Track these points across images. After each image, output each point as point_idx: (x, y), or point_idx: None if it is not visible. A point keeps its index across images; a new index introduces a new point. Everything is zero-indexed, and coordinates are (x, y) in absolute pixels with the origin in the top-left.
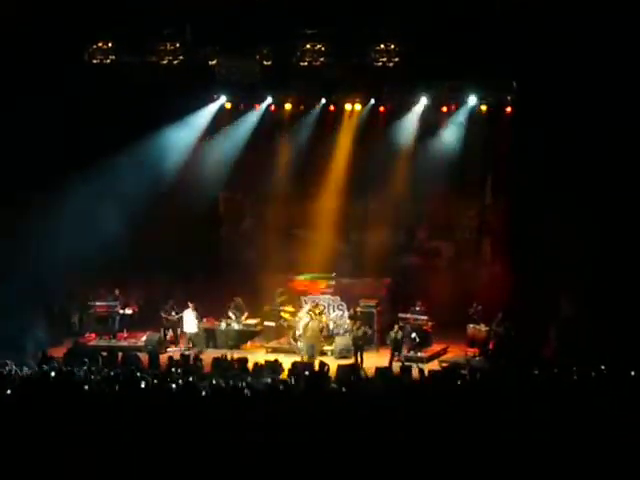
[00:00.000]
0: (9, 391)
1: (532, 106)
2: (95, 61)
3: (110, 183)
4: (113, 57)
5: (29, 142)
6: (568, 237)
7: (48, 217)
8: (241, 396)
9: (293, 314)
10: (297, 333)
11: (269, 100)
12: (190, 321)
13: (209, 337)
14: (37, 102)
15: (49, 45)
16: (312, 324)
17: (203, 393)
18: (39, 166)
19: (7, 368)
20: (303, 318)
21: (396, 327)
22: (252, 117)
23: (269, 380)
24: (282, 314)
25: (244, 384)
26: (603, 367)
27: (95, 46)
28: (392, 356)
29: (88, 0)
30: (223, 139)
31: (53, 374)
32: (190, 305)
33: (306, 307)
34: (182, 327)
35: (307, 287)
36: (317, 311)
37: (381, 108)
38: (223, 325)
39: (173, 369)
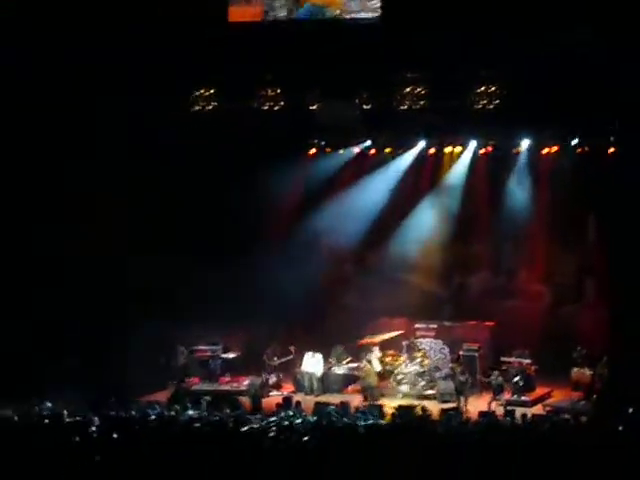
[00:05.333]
0: (115, 434)
1: (636, 146)
2: (197, 107)
3: None
4: (215, 104)
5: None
6: None
7: None
8: (341, 437)
9: (395, 358)
10: (399, 377)
11: (368, 143)
12: (312, 363)
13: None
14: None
15: (152, 94)
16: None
17: (305, 437)
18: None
19: (112, 412)
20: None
21: (495, 373)
22: (352, 161)
23: (369, 422)
24: (384, 358)
25: (343, 425)
26: None
27: (197, 93)
28: (492, 400)
29: (189, 48)
30: (323, 182)
31: (154, 417)
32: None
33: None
34: (299, 368)
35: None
36: (419, 355)
37: (482, 150)
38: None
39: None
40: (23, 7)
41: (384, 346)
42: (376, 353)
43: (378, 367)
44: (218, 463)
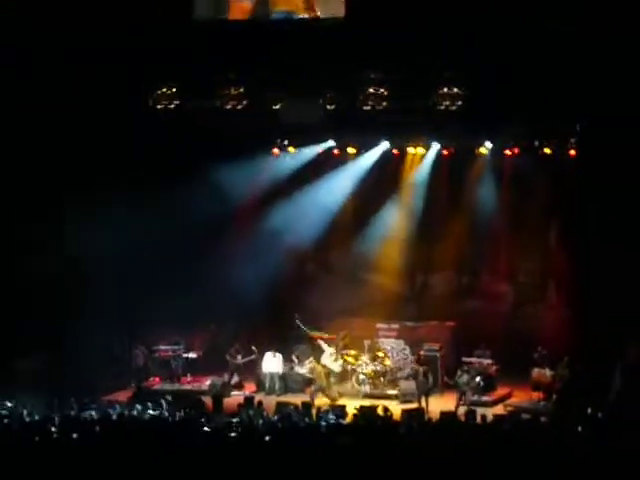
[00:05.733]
0: (75, 435)
1: (597, 148)
2: (159, 106)
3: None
4: (177, 102)
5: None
6: (636, 281)
7: None
8: (301, 437)
9: (356, 358)
10: (360, 377)
11: (331, 144)
12: (272, 363)
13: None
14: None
15: (113, 92)
16: (318, 366)
17: (266, 438)
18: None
19: (72, 412)
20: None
21: (459, 371)
22: (315, 160)
23: (331, 422)
24: (345, 357)
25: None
26: None
27: (159, 91)
28: (459, 400)
29: (152, 45)
30: (286, 181)
31: (116, 417)
32: (273, 349)
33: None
34: (260, 368)
35: None
36: (380, 354)
37: (444, 152)
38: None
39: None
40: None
41: (345, 345)
42: (330, 353)
43: (336, 368)
44: (179, 463)
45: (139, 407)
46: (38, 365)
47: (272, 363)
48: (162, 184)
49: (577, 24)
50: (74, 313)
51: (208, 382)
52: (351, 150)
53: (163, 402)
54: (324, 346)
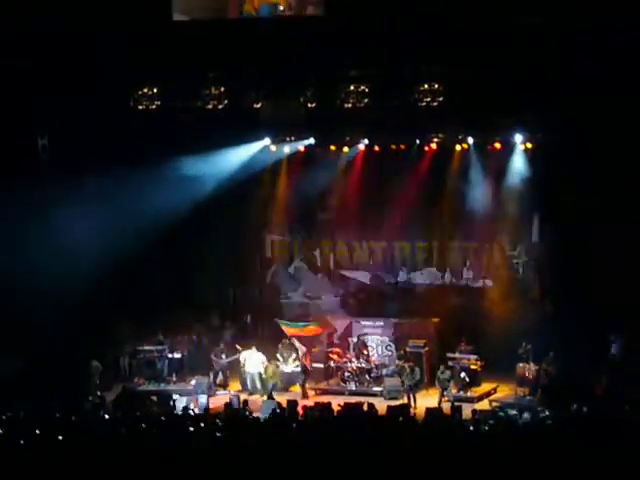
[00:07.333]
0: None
1: (578, 144)
2: (141, 107)
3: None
4: (159, 102)
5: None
6: (618, 275)
7: None
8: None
9: (341, 355)
10: (346, 375)
11: (312, 141)
12: (254, 362)
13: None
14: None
15: (96, 92)
16: (270, 366)
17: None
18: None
19: (57, 414)
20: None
21: (442, 367)
22: (298, 159)
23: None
24: (330, 355)
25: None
26: None
27: (141, 92)
28: (441, 396)
29: (133, 46)
30: (268, 181)
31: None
32: (253, 347)
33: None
34: (245, 368)
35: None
36: (365, 351)
37: (426, 148)
38: (272, 367)
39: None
40: None
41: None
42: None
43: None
44: (166, 463)
45: (124, 408)
46: (15, 369)
47: (251, 362)
48: (136, 179)
49: (546, 16)
50: (49, 312)
51: (193, 382)
52: (332, 147)
53: (148, 403)
54: (297, 344)
